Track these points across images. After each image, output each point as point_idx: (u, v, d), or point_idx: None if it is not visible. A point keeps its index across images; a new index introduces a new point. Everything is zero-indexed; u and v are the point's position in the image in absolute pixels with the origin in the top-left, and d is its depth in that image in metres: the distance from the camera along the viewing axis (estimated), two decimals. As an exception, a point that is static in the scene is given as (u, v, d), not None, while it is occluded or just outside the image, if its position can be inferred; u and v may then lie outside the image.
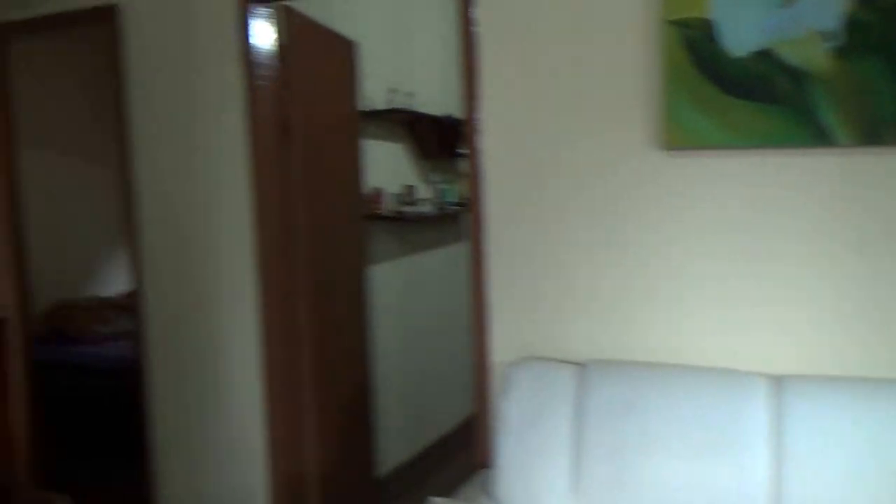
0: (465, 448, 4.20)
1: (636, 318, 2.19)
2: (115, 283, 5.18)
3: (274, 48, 2.84)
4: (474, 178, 2.40)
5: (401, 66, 4.12)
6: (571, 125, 2.23)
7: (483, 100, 2.34)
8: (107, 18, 2.95)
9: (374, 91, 3.79)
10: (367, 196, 3.73)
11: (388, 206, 3.93)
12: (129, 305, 4.11)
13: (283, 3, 2.82)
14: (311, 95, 3.00)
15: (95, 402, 4.20)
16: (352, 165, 3.44)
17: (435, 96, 4.33)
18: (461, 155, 4.52)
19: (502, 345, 2.39)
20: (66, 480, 3.52)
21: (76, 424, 4.18)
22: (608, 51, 2.15)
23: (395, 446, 3.98)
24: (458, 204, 4.52)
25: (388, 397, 3.92)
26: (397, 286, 4.06)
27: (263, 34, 2.80)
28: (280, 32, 2.86)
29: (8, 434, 1.74)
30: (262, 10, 2.80)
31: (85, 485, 3.64)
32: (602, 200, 2.21)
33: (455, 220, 4.70)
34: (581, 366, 2.15)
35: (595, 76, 2.18)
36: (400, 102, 3.92)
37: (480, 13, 2.32)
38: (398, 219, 3.90)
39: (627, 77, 2.14)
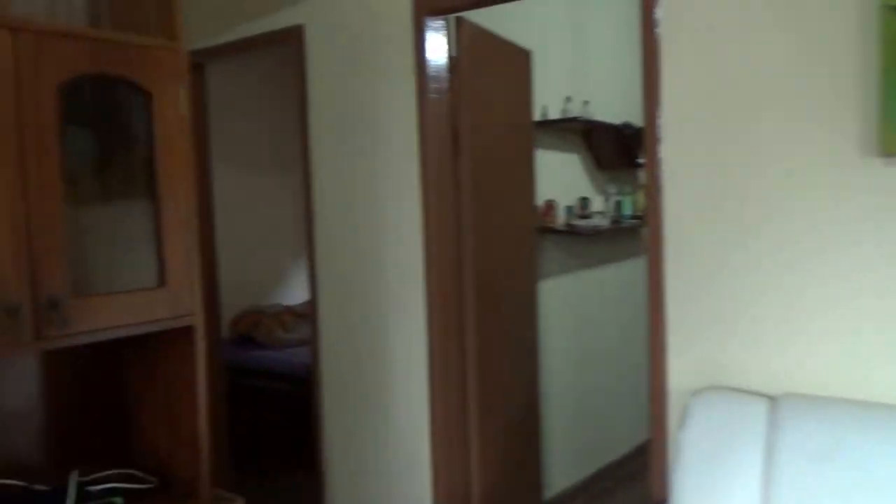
0: (638, 475, 3.99)
1: (836, 349, 1.93)
2: (299, 291, 5.44)
3: (446, 60, 2.83)
4: (653, 190, 2.24)
5: (576, 73, 4.00)
6: (765, 131, 2.01)
7: (664, 106, 2.18)
8: (293, 39, 3.07)
9: (549, 100, 3.69)
10: (540, 208, 3.64)
11: (560, 218, 3.82)
12: (308, 313, 4.27)
13: (457, 14, 2.80)
14: (483, 106, 2.96)
15: (276, 405, 4.41)
16: (524, 177, 3.36)
17: (612, 103, 4.17)
18: (639, 165, 4.32)
19: (681, 369, 2.21)
20: (241, 480, 3.71)
21: (256, 426, 4.41)
22: (811, 44, 1.92)
23: (563, 469, 3.84)
24: (635, 217, 4.32)
25: (558, 418, 3.79)
26: (569, 303, 3.93)
27: (437, 47, 2.80)
28: (452, 44, 2.84)
29: (194, 434, 1.81)
30: (437, 23, 2.79)
31: (257, 485, 3.83)
32: (800, 215, 1.97)
33: (632, 234, 4.49)
34: (772, 399, 1.93)
35: (794, 75, 1.96)
36: (575, 111, 3.79)
37: (663, 13, 2.17)
38: (571, 232, 3.77)
39: (834, 73, 1.89)
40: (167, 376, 1.89)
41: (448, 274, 2.84)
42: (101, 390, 1.99)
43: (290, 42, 3.10)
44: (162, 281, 1.75)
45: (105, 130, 1.82)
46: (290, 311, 5.14)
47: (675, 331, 2.21)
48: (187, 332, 1.81)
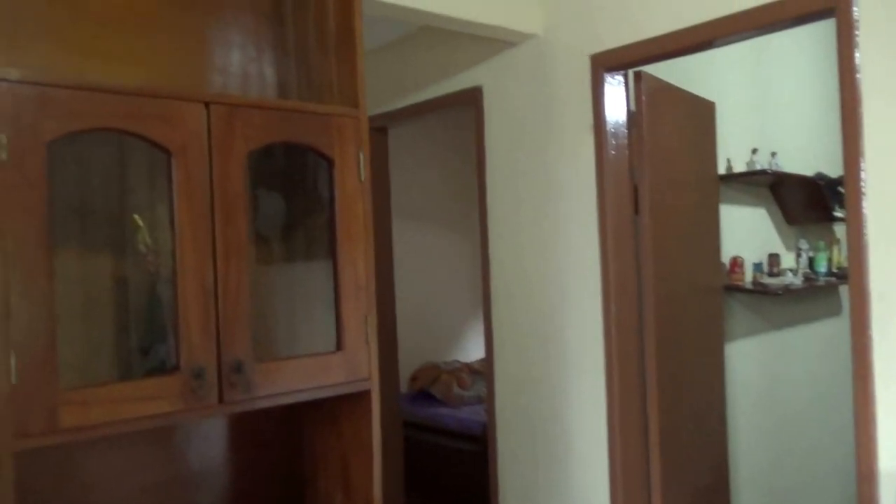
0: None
1: None
2: (476, 347, 5.46)
3: (625, 115, 2.77)
4: (856, 247, 2.03)
5: (762, 122, 3.78)
6: None
7: (867, 158, 1.99)
8: (471, 99, 3.15)
9: (734, 152, 3.51)
10: (725, 266, 3.43)
11: (748, 276, 3.57)
12: (483, 371, 4.27)
13: (635, 69, 2.75)
14: (664, 161, 2.85)
15: (452, 462, 4.40)
16: (708, 233, 3.19)
17: (802, 153, 3.89)
18: (835, 218, 3.97)
19: (894, 448, 1.95)
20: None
21: (432, 482, 4.42)
22: None
23: (756, 548, 3.52)
24: (831, 274, 3.96)
25: (749, 490, 3.49)
26: (758, 367, 3.64)
27: (615, 102, 2.75)
28: (631, 98, 2.78)
29: (368, 499, 1.82)
30: (615, 79, 2.75)
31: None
32: None
33: (828, 293, 4.12)
34: None
35: None
36: (762, 162, 3.57)
37: (864, 58, 1.99)
38: (760, 291, 3.51)
39: None
40: (343, 439, 1.92)
41: (628, 334, 2.73)
42: (281, 451, 2.05)
43: (468, 103, 3.17)
44: (339, 345, 1.80)
45: (290, 195, 1.93)
46: (467, 367, 5.16)
47: (884, 403, 1.97)
48: (363, 396, 1.84)
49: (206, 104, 1.61)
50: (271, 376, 1.68)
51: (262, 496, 2.02)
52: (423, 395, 4.96)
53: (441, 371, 5.04)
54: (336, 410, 1.93)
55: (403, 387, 5.11)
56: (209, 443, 1.96)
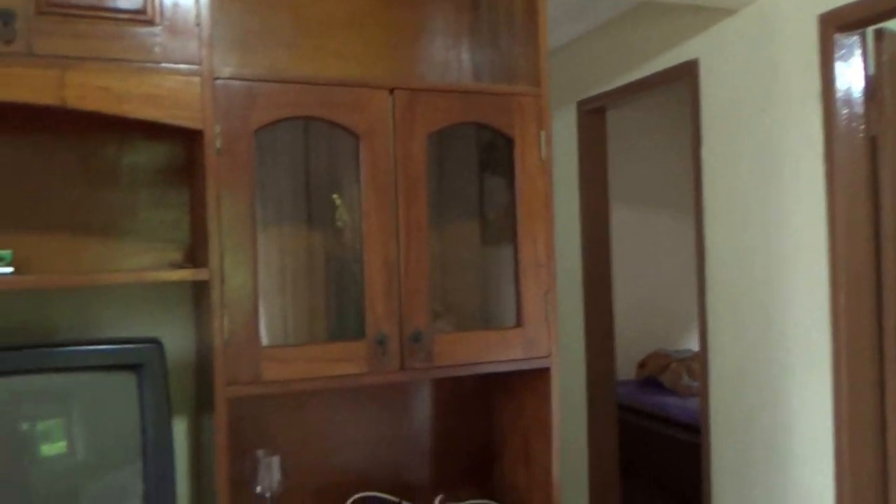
0: None
1: None
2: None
3: (861, 81, 2.47)
4: None
5: None
6: None
7: None
8: (687, 74, 3.00)
9: None
10: None
11: None
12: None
13: (876, 27, 2.44)
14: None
15: (672, 452, 4.25)
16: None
17: None
18: None
19: None
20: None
21: (650, 470, 4.30)
22: None
23: None
24: None
25: None
26: None
27: (849, 66, 2.46)
28: (870, 62, 2.47)
29: (547, 476, 1.85)
30: (849, 39, 2.47)
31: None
32: None
33: None
34: None
35: None
36: None
37: None
38: None
39: None
40: (524, 415, 1.96)
41: (860, 327, 2.45)
42: (474, 422, 2.14)
43: (684, 78, 3.03)
44: (519, 321, 1.84)
45: (471, 175, 2.00)
46: (699, 356, 4.93)
47: None
48: (543, 373, 1.86)
49: (391, 90, 1.73)
50: (450, 347, 1.77)
51: (456, 463, 2.13)
52: (651, 383, 4.82)
53: (671, 360, 4.86)
54: (518, 386, 1.98)
55: (629, 373, 5.02)
56: (421, 408, 2.11)
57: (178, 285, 1.88)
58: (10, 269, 1.48)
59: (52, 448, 1.49)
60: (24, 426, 1.47)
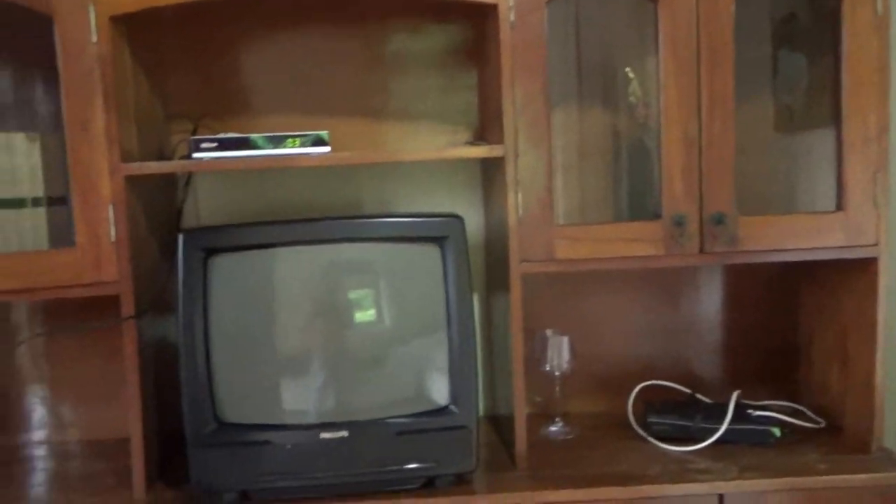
0: None
1: None
2: None
3: None
4: None
5: None
6: None
7: None
8: None
9: None
10: None
11: None
12: None
13: None
14: None
15: None
16: None
17: None
18: None
19: None
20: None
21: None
22: None
23: None
24: None
25: None
26: None
27: None
28: None
29: (869, 381, 1.66)
30: None
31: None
32: None
33: None
34: None
35: None
36: None
37: None
38: None
39: None
40: (842, 310, 1.75)
41: None
42: (772, 316, 1.97)
43: None
44: (839, 205, 1.62)
45: (766, 51, 1.77)
46: None
47: None
48: (867, 264, 1.64)
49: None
50: (757, 232, 1.62)
51: (752, 359, 2.00)
52: None
53: None
54: (833, 278, 1.77)
55: None
56: (711, 297, 2.00)
57: (468, 166, 1.91)
58: (328, 148, 1.57)
59: (364, 315, 1.60)
60: (341, 293, 1.59)
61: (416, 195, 1.93)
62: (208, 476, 1.49)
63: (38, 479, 1.75)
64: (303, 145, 1.57)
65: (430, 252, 1.52)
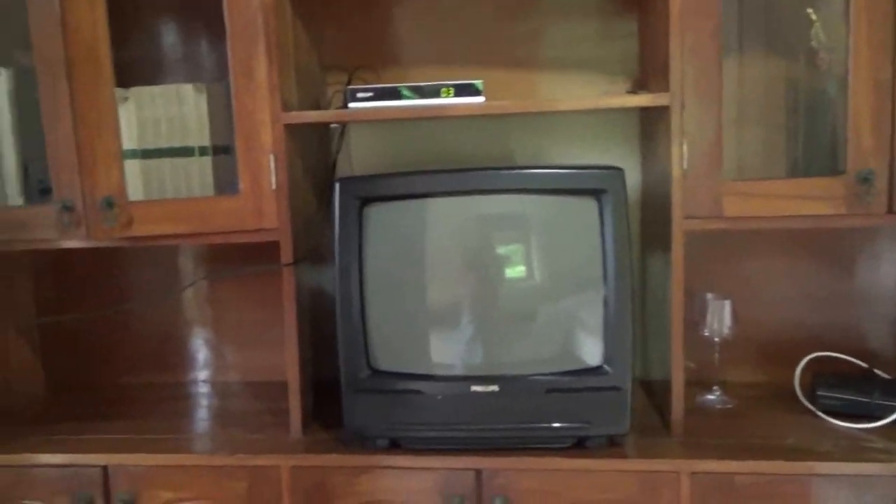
0: None
1: None
2: None
3: None
4: None
5: None
6: None
7: None
8: None
9: None
10: None
11: None
12: None
13: None
14: None
15: None
16: None
17: None
18: None
19: None
20: None
21: None
22: None
23: None
24: None
25: None
26: None
27: None
28: None
29: None
30: None
31: None
32: None
33: None
34: None
35: None
36: None
37: None
38: None
39: None
40: None
41: None
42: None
43: None
44: None
45: None
46: None
47: None
48: None
49: None
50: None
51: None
52: None
53: None
54: None
55: None
56: (883, 263, 1.83)
57: (624, 118, 1.83)
58: (482, 98, 1.53)
59: (515, 270, 1.56)
60: (494, 246, 1.56)
61: (569, 148, 1.87)
62: (361, 421, 1.52)
63: (202, 414, 1.85)
64: (457, 95, 1.54)
65: (588, 205, 1.46)
